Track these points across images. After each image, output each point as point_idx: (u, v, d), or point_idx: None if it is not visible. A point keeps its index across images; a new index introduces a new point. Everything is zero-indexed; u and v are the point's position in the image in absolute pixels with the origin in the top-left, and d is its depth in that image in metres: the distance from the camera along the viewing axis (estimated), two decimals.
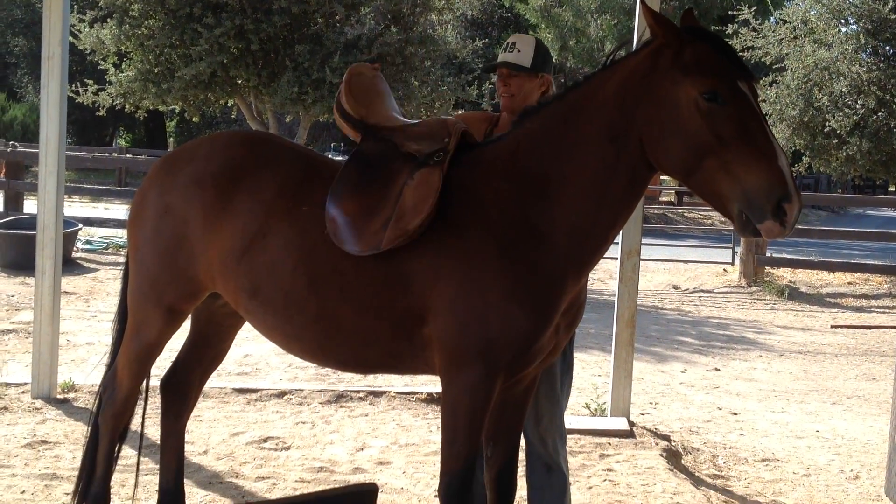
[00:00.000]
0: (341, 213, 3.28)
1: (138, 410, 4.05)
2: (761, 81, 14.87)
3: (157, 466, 4.19)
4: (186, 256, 3.57)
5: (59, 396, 6.15)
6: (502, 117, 4.19)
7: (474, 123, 4.03)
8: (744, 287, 13.93)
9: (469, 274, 3.16)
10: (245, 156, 3.59)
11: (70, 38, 8.89)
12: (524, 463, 4.15)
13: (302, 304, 3.36)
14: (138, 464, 4.17)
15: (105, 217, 15.50)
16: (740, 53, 14.80)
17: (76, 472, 4.77)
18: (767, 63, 15.06)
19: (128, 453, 4.46)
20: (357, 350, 3.39)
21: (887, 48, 14.75)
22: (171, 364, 4.08)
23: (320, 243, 3.31)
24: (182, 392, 4.03)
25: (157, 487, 4.16)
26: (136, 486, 4.21)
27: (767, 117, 14.62)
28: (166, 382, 4.04)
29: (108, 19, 12.35)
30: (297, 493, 4.75)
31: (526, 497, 4.28)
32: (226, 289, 3.55)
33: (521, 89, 4.08)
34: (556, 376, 4.14)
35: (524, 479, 4.22)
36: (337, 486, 4.75)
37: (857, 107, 13.98)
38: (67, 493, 4.57)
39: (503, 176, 3.28)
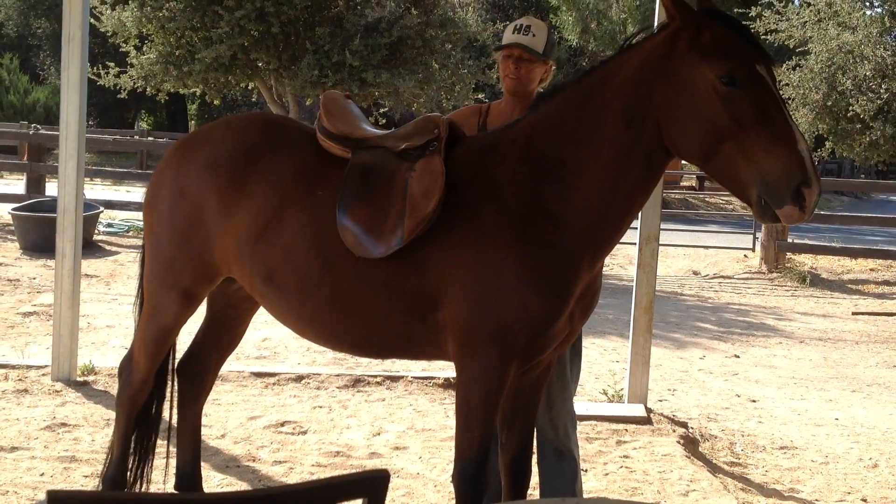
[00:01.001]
0: (353, 223, 3.28)
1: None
2: (784, 65, 14.75)
3: (175, 450, 4.22)
4: (202, 240, 3.58)
5: (78, 379, 6.20)
6: (495, 105, 4.19)
7: (464, 119, 4.04)
8: (764, 273, 13.85)
9: (484, 258, 3.16)
10: (260, 139, 3.59)
11: (91, 21, 8.91)
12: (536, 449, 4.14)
13: (316, 287, 3.37)
14: (154, 446, 4.20)
15: (126, 200, 15.56)
16: (763, 36, 14.73)
17: (95, 455, 4.84)
18: (791, 46, 14.93)
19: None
20: (370, 333, 3.40)
21: None
22: (187, 348, 4.10)
23: (334, 227, 3.32)
24: (198, 376, 4.06)
25: (174, 471, 4.19)
26: (165, 467, 4.24)
27: (790, 101, 14.54)
28: (182, 366, 4.07)
29: (130, 1, 12.37)
30: (314, 477, 4.77)
31: (538, 483, 4.28)
32: (241, 273, 3.56)
33: (530, 74, 4.05)
34: (566, 361, 4.13)
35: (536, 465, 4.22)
36: (348, 472, 4.77)
37: (882, 91, 13.84)
38: (86, 476, 4.62)
39: (519, 159, 3.27)
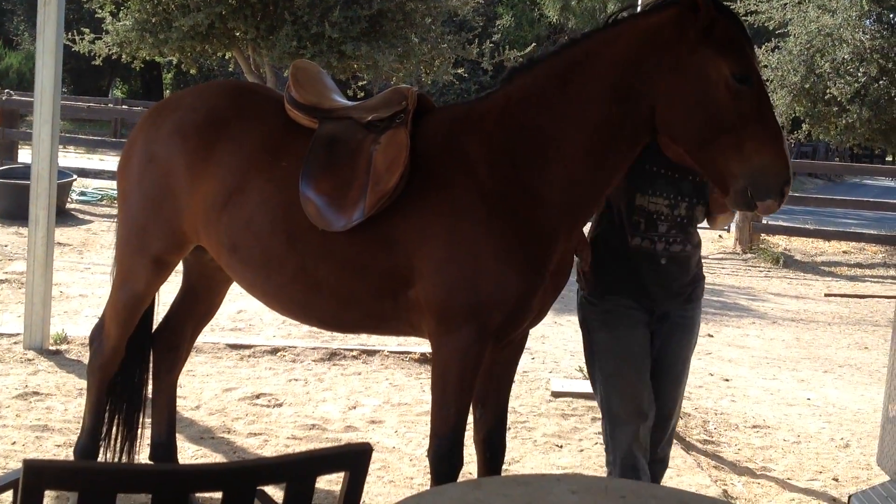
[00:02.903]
0: (317, 194, 3.23)
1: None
2: (763, 46, 14.77)
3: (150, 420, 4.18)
4: (171, 207, 3.54)
5: (51, 348, 6.14)
6: None
7: None
8: (739, 254, 13.93)
9: (458, 234, 3.12)
10: (229, 106, 3.54)
11: None
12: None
13: (281, 261, 3.33)
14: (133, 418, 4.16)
15: (100, 168, 15.40)
16: (743, 17, 14.70)
17: (67, 424, 4.80)
18: (770, 28, 14.94)
19: None
20: (338, 310, 3.36)
21: (891, 16, 14.65)
22: (162, 318, 4.06)
23: (298, 200, 3.27)
24: (173, 346, 4.02)
25: (148, 441, 4.16)
26: (139, 438, 4.19)
27: (769, 83, 14.58)
28: (158, 336, 4.02)
29: None
30: (289, 450, 4.76)
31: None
32: (209, 243, 3.52)
33: None
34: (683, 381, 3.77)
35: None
36: (329, 445, 4.77)
37: (859, 74, 13.90)
38: (59, 445, 4.59)
39: (493, 132, 3.22)
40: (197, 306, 4.02)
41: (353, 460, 1.71)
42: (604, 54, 3.11)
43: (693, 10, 2.97)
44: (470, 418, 3.39)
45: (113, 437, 4.02)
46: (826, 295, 11.35)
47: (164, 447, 4.10)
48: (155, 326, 4.07)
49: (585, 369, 6.36)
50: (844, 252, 14.71)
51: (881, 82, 13.84)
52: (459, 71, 13.33)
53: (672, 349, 3.58)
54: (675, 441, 5.31)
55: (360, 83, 13.25)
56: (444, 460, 3.27)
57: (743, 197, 2.97)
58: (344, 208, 3.20)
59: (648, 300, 3.49)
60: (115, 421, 4.02)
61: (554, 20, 26.59)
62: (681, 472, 4.88)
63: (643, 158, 3.31)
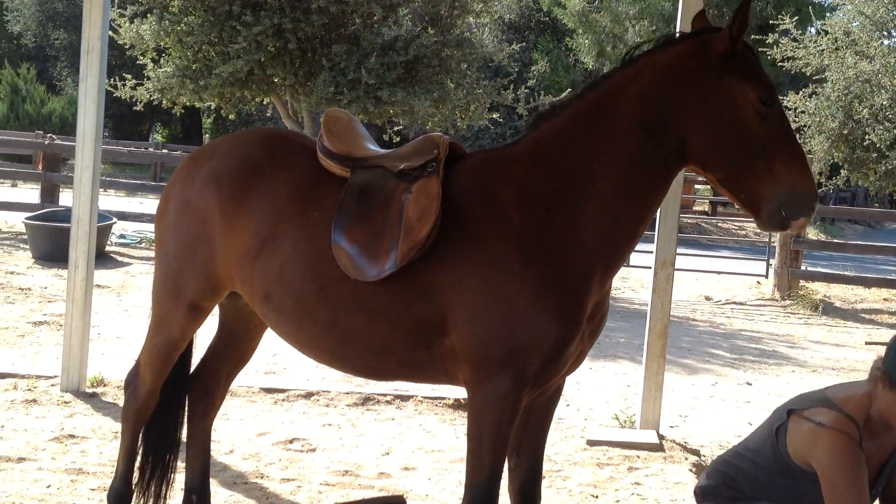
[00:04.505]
0: (349, 244, 3.24)
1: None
2: (801, 92, 14.69)
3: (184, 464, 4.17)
4: (206, 253, 3.56)
5: (87, 390, 6.17)
6: (861, 418, 3.53)
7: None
8: (777, 300, 13.76)
9: (492, 282, 3.11)
10: (262, 155, 3.57)
11: (110, 33, 8.93)
12: None
13: (313, 311, 3.33)
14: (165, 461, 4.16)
15: (139, 212, 15.58)
16: (780, 63, 14.70)
17: (102, 468, 4.81)
18: (808, 74, 14.87)
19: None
20: (373, 359, 3.35)
21: None
22: (198, 362, 4.06)
23: (329, 250, 3.28)
24: (209, 390, 4.02)
25: (182, 486, 4.15)
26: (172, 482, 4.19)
27: (806, 129, 14.50)
28: (193, 380, 4.03)
29: (148, 14, 12.41)
30: (322, 496, 4.73)
31: None
32: (243, 290, 3.54)
33: None
34: None
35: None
36: (364, 497, 4.73)
37: None
38: (93, 489, 4.59)
39: (524, 176, 3.24)
40: (232, 351, 4.03)
41: None
42: (627, 90, 3.16)
43: (714, 41, 3.07)
44: (504, 467, 3.34)
45: (147, 481, 4.02)
46: (867, 343, 11.14)
47: (197, 492, 4.08)
48: (190, 369, 4.07)
49: (621, 418, 6.30)
50: (885, 299, 14.48)
51: None
52: (495, 116, 13.39)
53: None
54: None
55: (395, 128, 13.35)
56: None
57: (777, 216, 3.06)
58: (376, 258, 3.20)
59: None
60: (150, 465, 4.02)
61: (590, 66, 26.68)
62: None
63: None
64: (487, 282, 3.12)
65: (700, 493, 3.80)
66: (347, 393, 6.56)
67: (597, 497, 5.05)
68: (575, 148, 3.20)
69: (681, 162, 3.18)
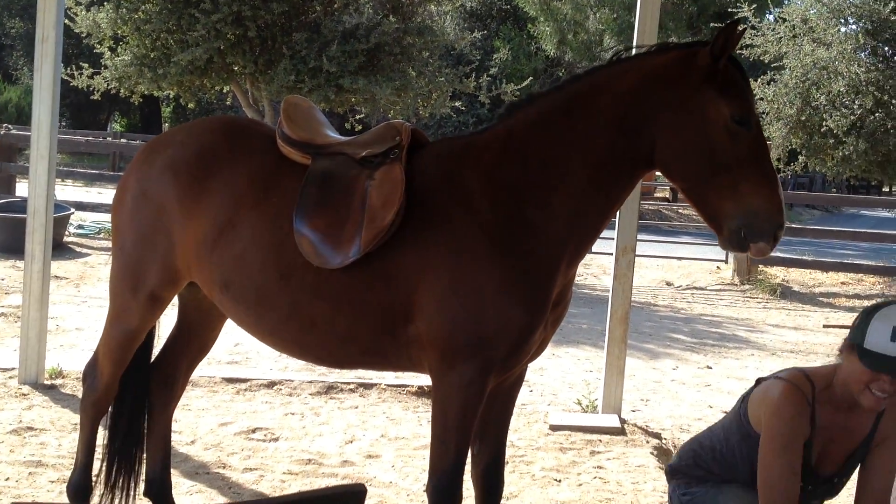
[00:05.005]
0: (311, 231, 3.22)
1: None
2: (759, 80, 14.84)
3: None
4: (164, 243, 3.53)
5: (46, 382, 6.11)
6: (821, 392, 3.40)
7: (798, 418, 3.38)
8: (737, 285, 13.92)
9: (460, 269, 3.11)
10: (220, 143, 3.54)
11: (66, 21, 8.81)
12: None
13: (274, 299, 3.31)
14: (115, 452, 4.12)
15: (98, 202, 15.39)
16: (738, 51, 14.81)
17: (61, 460, 4.76)
18: (766, 61, 15.03)
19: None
20: (335, 347, 3.34)
21: (886, 49, 14.71)
22: (157, 353, 4.03)
23: (290, 237, 3.26)
24: (169, 381, 3.98)
25: (143, 477, 4.12)
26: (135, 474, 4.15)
27: (764, 116, 14.64)
28: (152, 372, 3.99)
29: (105, 3, 12.25)
30: (285, 485, 4.72)
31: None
32: (201, 279, 3.51)
33: None
34: None
35: None
36: (324, 486, 4.72)
37: (855, 107, 13.95)
38: (52, 481, 4.54)
39: (494, 166, 3.23)
40: (192, 342, 3.99)
41: (349, 501, 1.68)
42: (611, 88, 3.16)
43: (700, 54, 3.05)
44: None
45: (109, 473, 3.98)
46: (825, 326, 11.30)
47: (158, 483, 4.05)
48: (151, 359, 4.04)
49: (583, 402, 6.35)
50: (843, 283, 14.69)
51: (877, 114, 13.89)
52: (457, 104, 13.39)
53: None
54: None
55: (357, 116, 13.31)
56: (443, 496, 3.24)
57: (736, 237, 3.03)
58: (340, 245, 3.18)
59: None
60: (110, 457, 3.98)
61: (551, 54, 26.74)
62: None
63: None
64: (454, 269, 3.12)
65: (670, 471, 3.80)
66: (310, 382, 6.54)
67: (559, 481, 5.09)
68: (549, 139, 3.20)
69: (649, 166, 3.19)
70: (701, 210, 3.12)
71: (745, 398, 3.57)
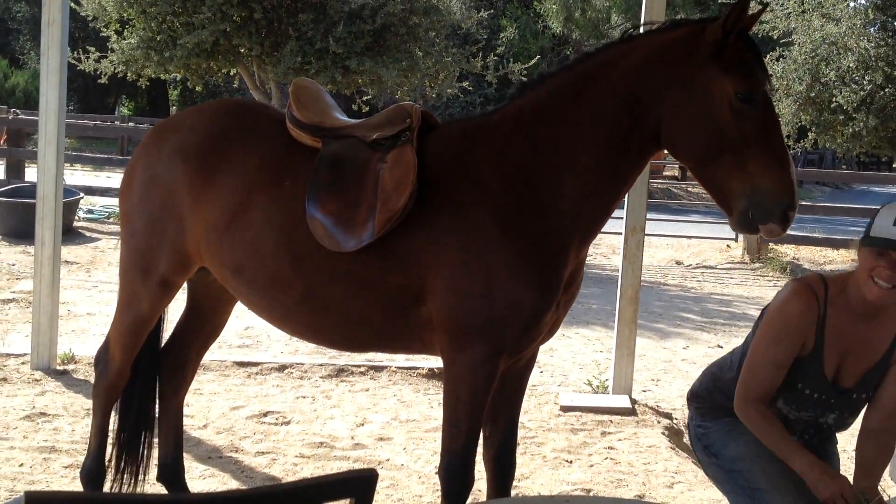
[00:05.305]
0: (324, 214, 3.21)
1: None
2: (768, 56, 14.75)
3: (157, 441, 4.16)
4: (175, 228, 3.52)
5: (58, 368, 6.13)
6: (835, 296, 3.30)
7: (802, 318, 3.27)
8: (747, 263, 13.88)
9: (471, 251, 3.11)
10: (230, 126, 3.52)
11: (71, 5, 8.80)
12: None
13: (287, 283, 3.31)
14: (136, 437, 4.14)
15: (107, 186, 15.42)
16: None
17: (74, 445, 4.78)
18: (775, 37, 14.93)
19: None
20: (348, 330, 3.34)
21: (895, 23, 14.61)
22: (167, 338, 4.04)
23: (303, 220, 3.25)
24: (179, 367, 4.00)
25: (156, 462, 4.14)
26: (147, 458, 4.16)
27: (774, 92, 14.56)
28: (163, 357, 4.00)
29: None
30: (297, 468, 4.74)
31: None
32: (212, 264, 3.50)
33: None
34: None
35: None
36: (335, 471, 4.74)
37: (865, 83, 13.86)
38: (66, 466, 4.57)
39: (504, 146, 3.22)
40: (202, 326, 4.00)
41: (359, 486, 1.68)
42: (618, 66, 3.12)
43: (709, 30, 2.99)
44: (479, 436, 3.36)
45: (121, 458, 4.00)
46: None
47: (171, 468, 4.07)
48: (161, 345, 4.05)
49: (594, 383, 6.34)
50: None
51: (887, 90, 13.80)
52: (464, 84, 13.36)
53: None
54: (685, 455, 5.28)
55: (364, 98, 13.28)
56: (455, 478, 3.25)
57: (745, 218, 2.97)
58: (353, 228, 3.18)
59: None
60: (122, 443, 4.00)
61: (557, 32, 26.61)
62: (692, 486, 4.84)
63: (799, 378, 3.22)
64: (466, 251, 3.11)
65: (690, 396, 3.71)
66: (321, 365, 6.55)
67: (571, 462, 5.09)
68: (559, 119, 3.17)
69: (658, 146, 3.15)
70: (710, 190, 3.08)
71: (763, 313, 3.44)
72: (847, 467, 3.51)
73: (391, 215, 3.13)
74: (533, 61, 13.72)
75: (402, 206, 3.13)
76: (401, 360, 6.72)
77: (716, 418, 3.48)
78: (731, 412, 3.36)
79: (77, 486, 4.12)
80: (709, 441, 3.50)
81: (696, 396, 3.63)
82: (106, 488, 3.97)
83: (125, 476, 4.01)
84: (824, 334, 3.21)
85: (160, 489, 4.13)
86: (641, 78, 3.08)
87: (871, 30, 14.46)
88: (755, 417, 3.20)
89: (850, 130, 14.28)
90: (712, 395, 3.54)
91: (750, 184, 2.93)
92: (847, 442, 3.94)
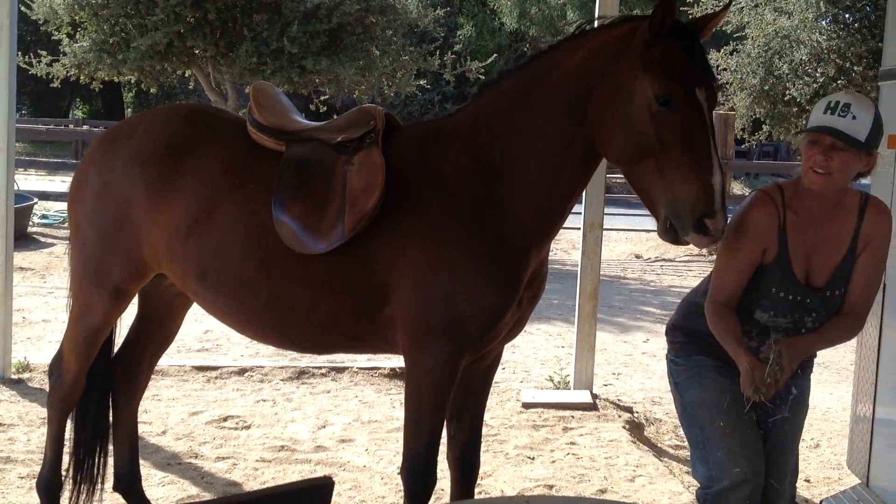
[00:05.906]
0: (291, 218, 3.19)
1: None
2: (722, 50, 14.87)
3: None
4: (130, 237, 3.47)
5: (13, 377, 6.03)
6: (791, 199, 3.27)
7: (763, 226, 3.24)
8: (705, 255, 14.00)
9: (434, 252, 3.11)
10: (188, 131, 3.48)
11: (22, 8, 8.66)
12: None
13: (253, 288, 3.28)
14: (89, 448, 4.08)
15: (61, 191, 15.20)
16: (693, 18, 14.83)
17: (31, 455, 4.71)
18: (728, 32, 15.05)
19: None
20: (314, 333, 3.33)
21: (847, 16, 14.77)
22: (119, 346, 3.98)
23: (269, 224, 3.22)
24: (132, 375, 3.94)
25: (112, 470, 4.08)
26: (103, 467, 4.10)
27: (728, 86, 14.68)
28: (115, 365, 3.94)
29: None
30: (258, 473, 4.70)
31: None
32: (172, 271, 3.46)
33: (846, 168, 3.10)
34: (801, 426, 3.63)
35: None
36: (299, 466, 4.71)
37: (818, 75, 14.01)
38: (22, 476, 4.49)
39: (463, 150, 3.21)
40: (155, 333, 3.95)
41: (316, 495, 1.66)
42: (561, 67, 3.08)
43: (642, 28, 2.89)
44: (443, 435, 3.36)
45: (77, 469, 3.94)
46: None
47: (127, 477, 4.02)
48: (113, 352, 3.99)
49: (555, 379, 6.36)
50: None
51: (839, 82, 13.95)
52: (422, 82, 13.32)
53: (786, 421, 3.40)
54: (646, 448, 5.32)
55: (322, 98, 13.20)
56: (418, 478, 3.25)
57: (665, 228, 2.89)
58: (321, 231, 3.16)
59: None
60: (79, 452, 3.94)
61: (512, 28, 26.63)
62: (654, 479, 4.87)
63: (772, 283, 3.21)
64: (429, 252, 3.11)
65: (669, 328, 3.68)
66: (282, 367, 6.51)
67: (533, 459, 5.10)
68: (509, 121, 3.15)
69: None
70: (640, 196, 3.00)
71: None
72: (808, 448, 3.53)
73: (361, 217, 3.13)
74: (490, 59, 13.72)
75: (371, 208, 3.12)
76: (362, 360, 6.70)
77: (689, 354, 3.45)
78: (704, 349, 3.38)
79: (33, 497, 4.05)
80: (678, 378, 3.49)
81: (673, 328, 3.61)
82: (63, 498, 3.91)
83: (82, 486, 3.95)
84: (787, 238, 3.23)
85: (118, 499, 4.08)
86: (579, 78, 3.02)
87: (823, 23, 14.61)
88: (712, 312, 3.24)
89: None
90: (688, 320, 3.50)
91: (669, 192, 2.82)
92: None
